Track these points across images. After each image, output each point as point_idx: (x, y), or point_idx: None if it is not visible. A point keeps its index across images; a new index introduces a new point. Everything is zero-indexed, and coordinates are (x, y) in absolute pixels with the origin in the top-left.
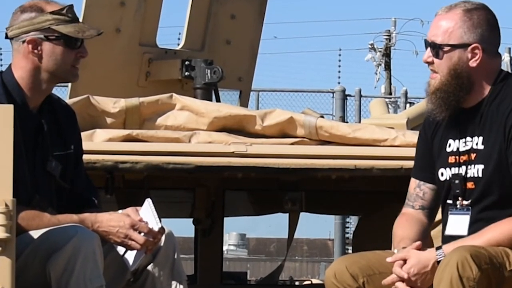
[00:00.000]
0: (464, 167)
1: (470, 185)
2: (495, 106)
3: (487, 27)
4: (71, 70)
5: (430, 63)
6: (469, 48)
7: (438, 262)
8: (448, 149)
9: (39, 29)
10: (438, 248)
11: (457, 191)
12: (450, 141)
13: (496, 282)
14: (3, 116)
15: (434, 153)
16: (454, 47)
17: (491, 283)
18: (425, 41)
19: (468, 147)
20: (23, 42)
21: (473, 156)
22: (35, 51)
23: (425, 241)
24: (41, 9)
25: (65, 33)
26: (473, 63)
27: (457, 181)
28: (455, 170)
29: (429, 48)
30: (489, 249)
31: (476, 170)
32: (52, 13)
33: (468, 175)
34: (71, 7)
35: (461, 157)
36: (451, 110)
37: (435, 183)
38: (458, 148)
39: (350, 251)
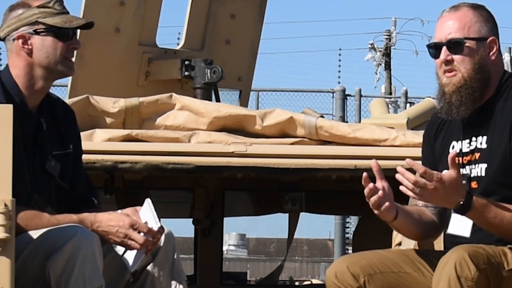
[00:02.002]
0: (468, 167)
1: (473, 184)
2: (500, 106)
3: (494, 23)
4: (64, 62)
5: (449, 62)
6: (487, 42)
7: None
8: (451, 151)
9: (27, 23)
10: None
11: None
12: (454, 142)
13: (494, 282)
14: (3, 116)
15: (436, 154)
16: (476, 40)
17: (490, 283)
18: (435, 44)
19: (472, 147)
20: (14, 40)
21: (477, 155)
22: (25, 46)
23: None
24: (28, 5)
25: (52, 24)
26: (492, 56)
27: (464, 182)
28: (460, 171)
29: (444, 48)
30: (487, 248)
31: (479, 169)
32: (38, 7)
33: (472, 175)
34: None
35: (464, 158)
36: (475, 106)
37: None
38: (461, 150)
39: (350, 251)
